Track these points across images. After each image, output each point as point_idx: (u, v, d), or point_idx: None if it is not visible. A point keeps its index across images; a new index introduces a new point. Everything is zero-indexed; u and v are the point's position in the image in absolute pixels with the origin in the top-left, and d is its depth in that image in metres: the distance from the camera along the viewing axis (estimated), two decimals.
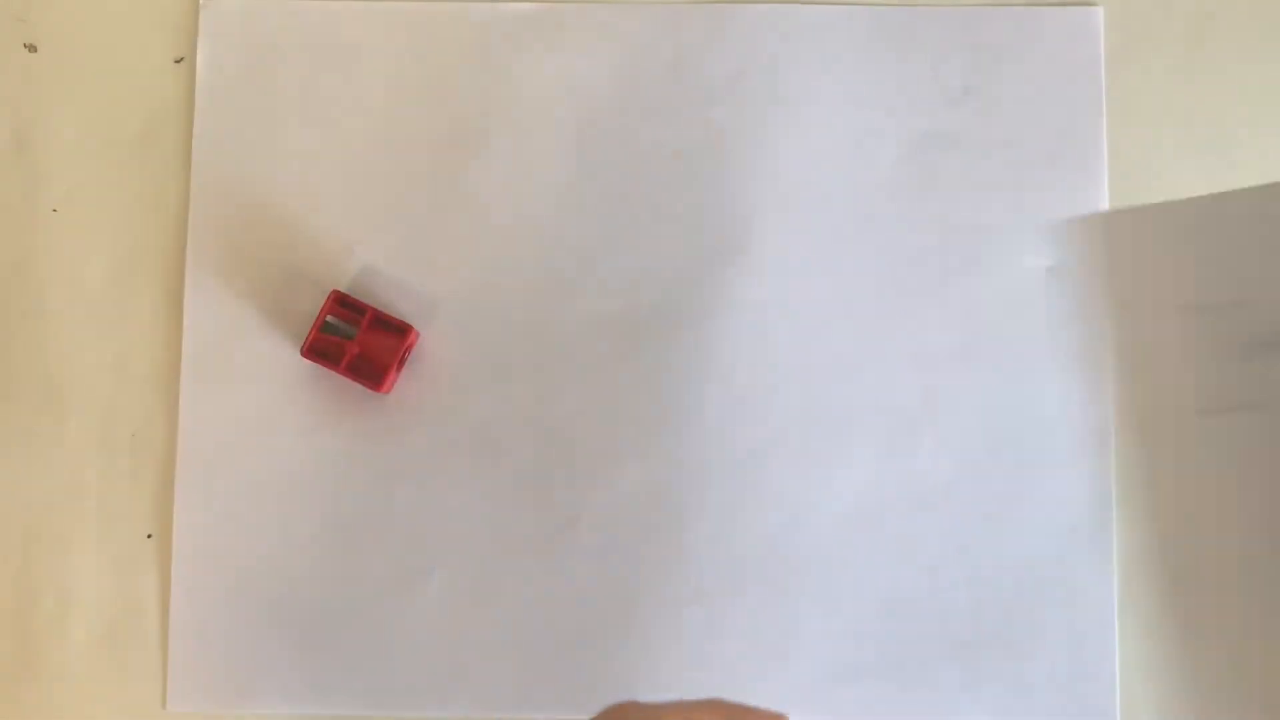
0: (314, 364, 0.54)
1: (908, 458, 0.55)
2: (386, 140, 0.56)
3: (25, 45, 0.57)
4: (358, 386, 0.54)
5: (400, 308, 0.55)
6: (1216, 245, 0.53)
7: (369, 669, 0.54)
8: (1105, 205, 0.56)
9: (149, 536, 0.55)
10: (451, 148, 0.56)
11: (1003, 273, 0.55)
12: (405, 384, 0.55)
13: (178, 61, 0.57)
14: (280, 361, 0.55)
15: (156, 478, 0.55)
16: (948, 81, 0.56)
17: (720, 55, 0.57)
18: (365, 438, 0.55)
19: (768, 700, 0.53)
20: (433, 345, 0.55)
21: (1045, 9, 0.57)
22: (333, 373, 0.54)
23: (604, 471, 0.55)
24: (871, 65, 0.56)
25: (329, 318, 0.54)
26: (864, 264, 0.55)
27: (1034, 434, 0.54)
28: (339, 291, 0.54)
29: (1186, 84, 0.56)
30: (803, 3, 0.57)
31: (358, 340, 0.53)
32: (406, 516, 0.55)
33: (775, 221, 0.56)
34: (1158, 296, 0.53)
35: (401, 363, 0.55)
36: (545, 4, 0.57)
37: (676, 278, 0.55)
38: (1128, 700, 0.54)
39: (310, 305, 0.55)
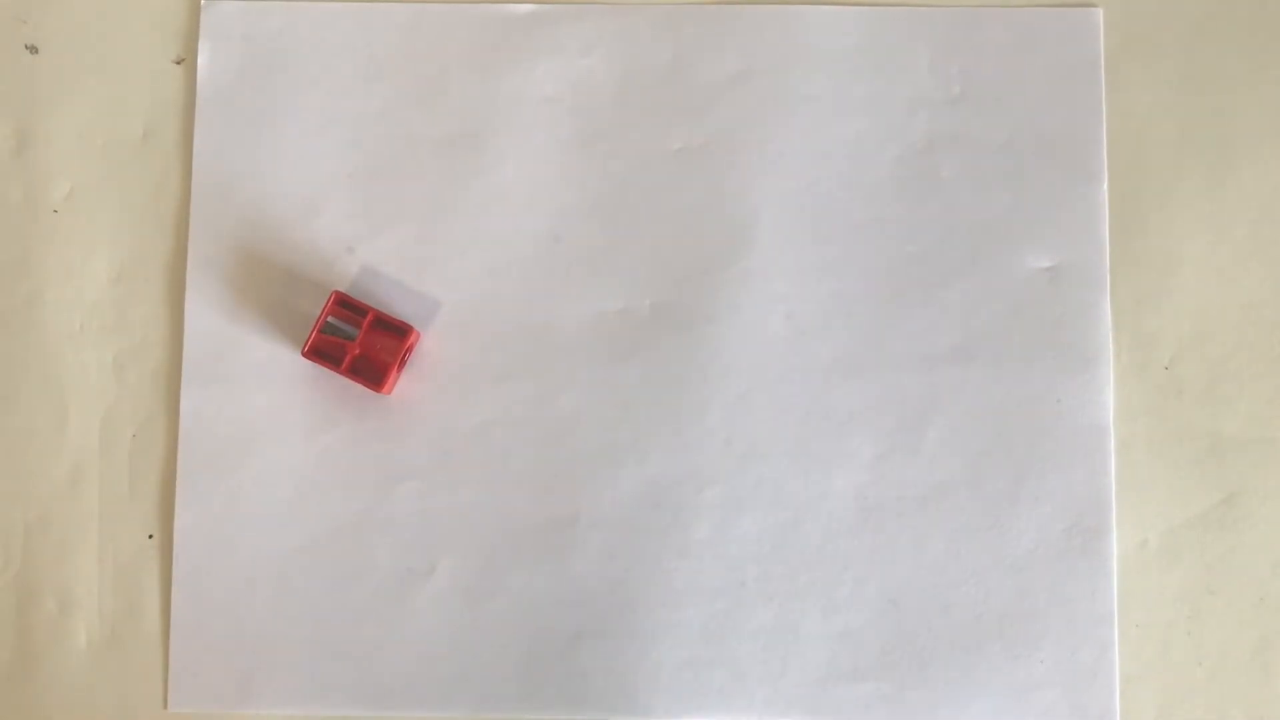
0: (315, 365, 0.54)
1: (908, 458, 0.55)
2: (387, 140, 0.56)
3: (26, 46, 0.57)
4: (358, 387, 0.54)
5: (401, 308, 0.55)
6: None
7: (369, 669, 0.54)
8: (1105, 205, 0.56)
9: (149, 536, 0.55)
10: (451, 148, 0.56)
11: (1003, 273, 0.55)
12: (406, 384, 0.55)
13: (178, 62, 0.57)
14: (281, 362, 0.55)
15: (156, 478, 0.55)
16: (947, 81, 0.56)
17: (720, 55, 0.57)
18: (366, 438, 0.55)
19: (768, 701, 0.54)
20: (433, 345, 0.55)
21: (1045, 9, 0.57)
22: (333, 373, 0.54)
23: (604, 471, 0.55)
24: (871, 66, 0.56)
25: (330, 318, 0.54)
26: (864, 264, 0.55)
27: (1034, 434, 0.55)
28: (340, 292, 0.54)
29: (1186, 84, 0.56)
30: (803, 3, 0.57)
31: (359, 341, 0.54)
32: (407, 517, 0.55)
33: (775, 221, 0.56)
34: None
35: (402, 363, 0.55)
36: (545, 4, 0.57)
37: (676, 278, 0.55)
38: (1128, 700, 0.54)
39: (311, 306, 0.55)
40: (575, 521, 0.55)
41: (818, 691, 0.54)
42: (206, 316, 0.55)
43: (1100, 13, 0.57)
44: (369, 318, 0.54)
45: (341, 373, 0.53)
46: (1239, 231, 0.56)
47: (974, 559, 0.54)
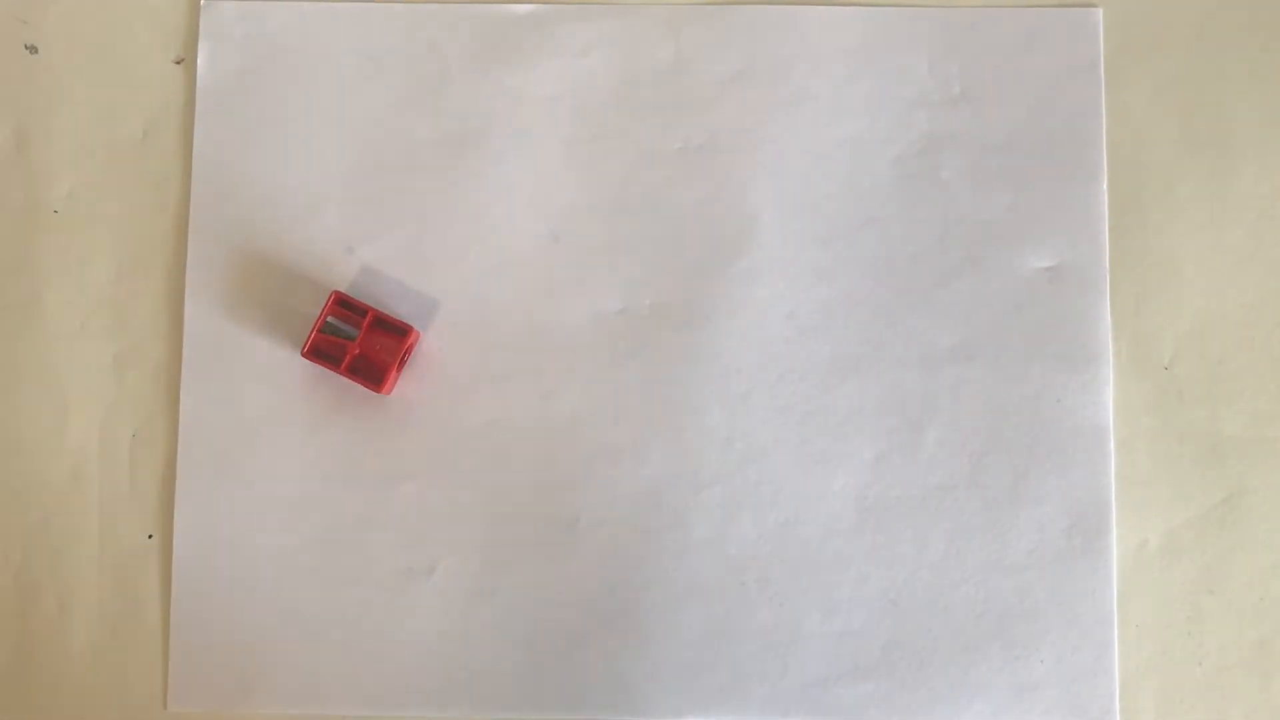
0: (314, 365, 0.54)
1: (908, 458, 0.55)
2: (387, 140, 0.56)
3: (26, 46, 0.57)
4: (358, 387, 0.54)
5: (401, 308, 0.55)
6: None
7: (369, 669, 0.54)
8: (1105, 205, 0.56)
9: (149, 537, 0.55)
10: (451, 148, 0.56)
11: (1003, 273, 0.55)
12: (406, 384, 0.55)
13: (178, 62, 0.57)
14: (280, 362, 0.55)
15: (156, 478, 0.55)
16: (947, 81, 0.56)
17: (720, 55, 0.57)
18: (365, 438, 0.55)
19: (768, 701, 0.54)
20: (433, 346, 0.55)
21: (1045, 10, 0.57)
22: (333, 373, 0.54)
23: (604, 471, 0.55)
24: (871, 65, 0.56)
25: (329, 318, 0.54)
26: (864, 264, 0.55)
27: (1034, 434, 0.55)
28: (339, 292, 0.54)
29: (1186, 84, 0.56)
30: (802, 3, 0.57)
31: (358, 341, 0.54)
32: (407, 516, 0.55)
33: (775, 221, 0.56)
34: None
35: (402, 363, 0.55)
36: (545, 4, 0.57)
37: (676, 278, 0.55)
38: (1128, 700, 0.54)
39: (310, 306, 0.55)
40: (575, 521, 0.55)
41: (818, 691, 0.54)
42: (206, 316, 0.55)
43: (1100, 13, 0.57)
44: (369, 318, 0.54)
45: (341, 373, 0.53)
46: (1239, 231, 0.56)
47: (974, 559, 0.54)
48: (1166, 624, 0.54)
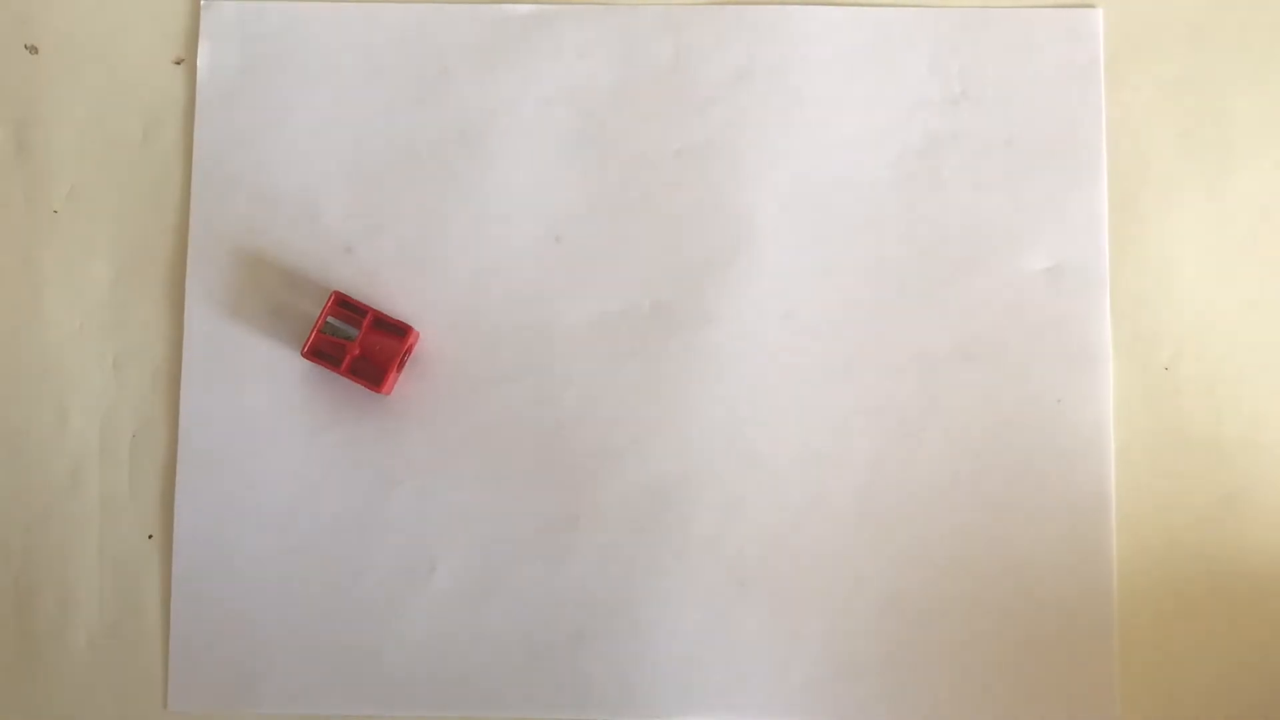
0: (314, 365, 0.54)
1: (908, 458, 0.55)
2: (386, 140, 0.56)
3: (26, 46, 0.57)
4: (358, 387, 0.54)
5: (401, 309, 0.55)
6: None
7: (369, 669, 0.54)
8: (1105, 205, 0.56)
9: (149, 537, 0.55)
10: (451, 148, 0.56)
11: (1003, 273, 0.55)
12: (406, 385, 0.55)
13: (178, 62, 0.57)
14: (280, 362, 0.55)
15: (156, 478, 0.55)
16: (948, 82, 0.56)
17: (720, 55, 0.57)
18: (365, 438, 0.55)
19: (768, 701, 0.54)
20: (433, 346, 0.55)
21: (1045, 10, 0.57)
22: (333, 373, 0.54)
23: (604, 471, 0.55)
24: (871, 66, 0.56)
25: (330, 318, 0.54)
26: (864, 264, 0.55)
27: (1034, 434, 0.55)
28: (340, 293, 0.54)
29: (1186, 85, 0.56)
30: (803, 3, 0.57)
31: (358, 341, 0.54)
32: (406, 516, 0.55)
33: (775, 221, 0.56)
34: None
35: (402, 364, 0.55)
36: (545, 4, 0.57)
37: (677, 278, 0.55)
38: (1128, 700, 0.54)
39: (311, 306, 0.55)
40: (575, 521, 0.55)
41: (818, 691, 0.54)
42: (206, 316, 0.55)
43: (1100, 13, 0.57)
44: (369, 318, 0.54)
45: (341, 373, 0.53)
46: (1239, 231, 0.56)
47: (974, 559, 0.54)
48: (1166, 624, 0.54)
